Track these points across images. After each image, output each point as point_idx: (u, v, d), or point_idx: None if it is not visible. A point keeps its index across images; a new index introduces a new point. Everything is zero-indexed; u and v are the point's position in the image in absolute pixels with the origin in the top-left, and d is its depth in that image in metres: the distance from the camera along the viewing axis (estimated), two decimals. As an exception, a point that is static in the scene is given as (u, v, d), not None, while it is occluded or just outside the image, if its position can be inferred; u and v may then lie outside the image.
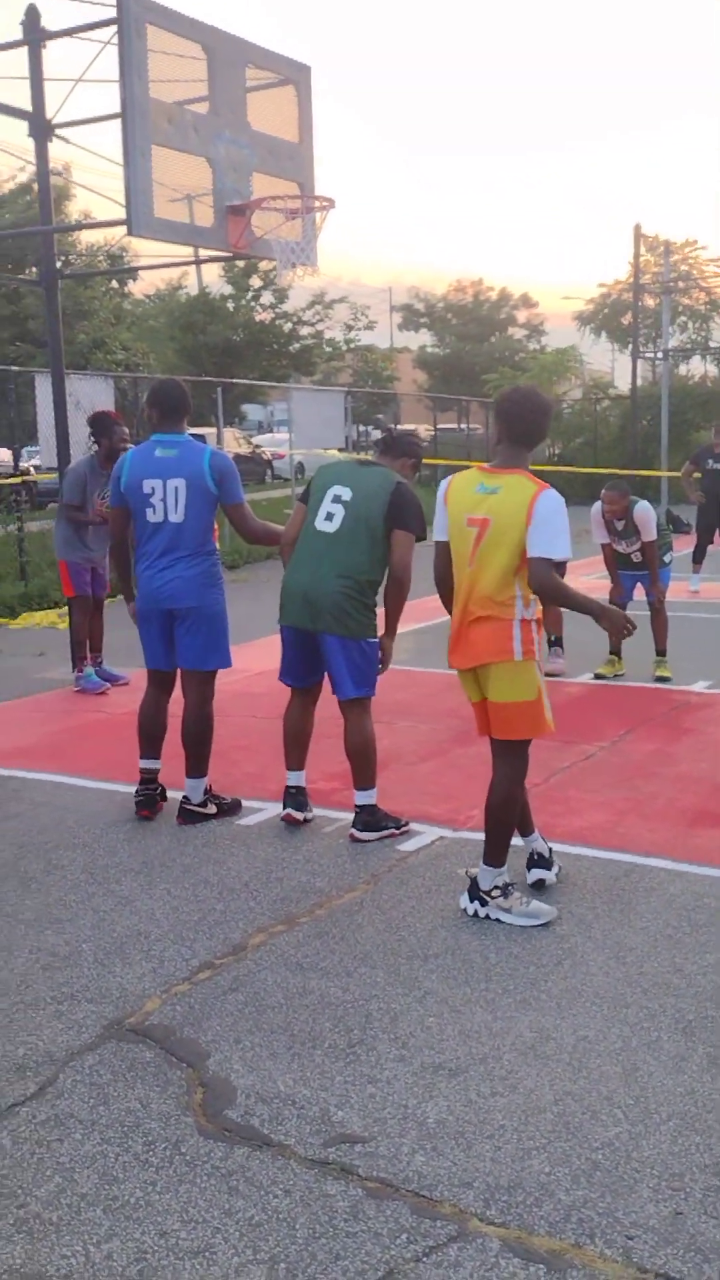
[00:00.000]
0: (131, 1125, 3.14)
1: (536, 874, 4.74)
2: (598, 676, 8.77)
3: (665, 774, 6.34)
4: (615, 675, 8.81)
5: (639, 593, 8.88)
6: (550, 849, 4.86)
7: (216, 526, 5.69)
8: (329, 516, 5.26)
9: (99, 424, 8.47)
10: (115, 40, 8.33)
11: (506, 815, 4.54)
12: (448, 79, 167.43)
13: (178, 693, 5.74)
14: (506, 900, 4.50)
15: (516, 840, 4.91)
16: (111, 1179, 2.91)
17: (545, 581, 4.30)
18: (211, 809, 5.67)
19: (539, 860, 4.78)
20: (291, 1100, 3.25)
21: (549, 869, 4.77)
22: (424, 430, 36.21)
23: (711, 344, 31.95)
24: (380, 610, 5.40)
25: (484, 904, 4.51)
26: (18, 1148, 3.05)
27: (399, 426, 33.51)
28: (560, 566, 4.38)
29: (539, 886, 4.68)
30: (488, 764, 6.44)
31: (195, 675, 5.63)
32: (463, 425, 33.18)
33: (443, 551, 4.60)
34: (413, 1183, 2.88)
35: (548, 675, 8.59)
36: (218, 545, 5.73)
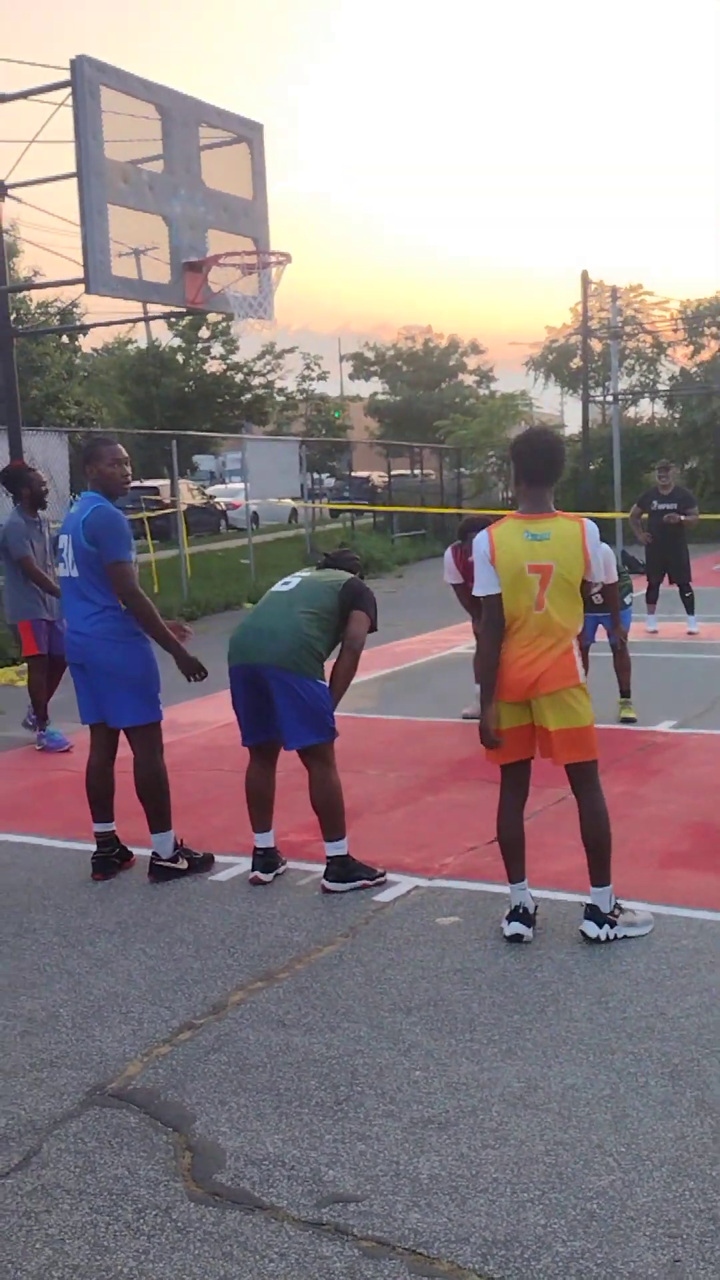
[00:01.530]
0: (120, 1193, 3.09)
1: (515, 928, 4.69)
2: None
3: (635, 816, 6.36)
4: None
5: (600, 634, 8.96)
6: (536, 906, 4.85)
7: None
8: (285, 583, 5.57)
9: (12, 479, 8.55)
10: (70, 102, 8.42)
11: (608, 836, 4.71)
12: (391, 123, 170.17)
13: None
14: (626, 915, 4.73)
15: (502, 888, 4.93)
16: (103, 1249, 2.86)
17: (616, 598, 4.55)
18: (183, 864, 5.63)
19: (522, 914, 4.74)
20: (281, 1161, 3.22)
21: (530, 925, 4.73)
22: (378, 477, 36.49)
23: (659, 386, 32.45)
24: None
25: (613, 925, 4.67)
26: (4, 1220, 2.99)
27: (353, 474, 33.78)
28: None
29: (515, 940, 4.67)
30: (460, 809, 6.45)
31: (131, 731, 5.61)
32: (416, 471, 33.42)
33: (496, 604, 4.63)
34: (409, 1240, 2.86)
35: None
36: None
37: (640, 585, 13.24)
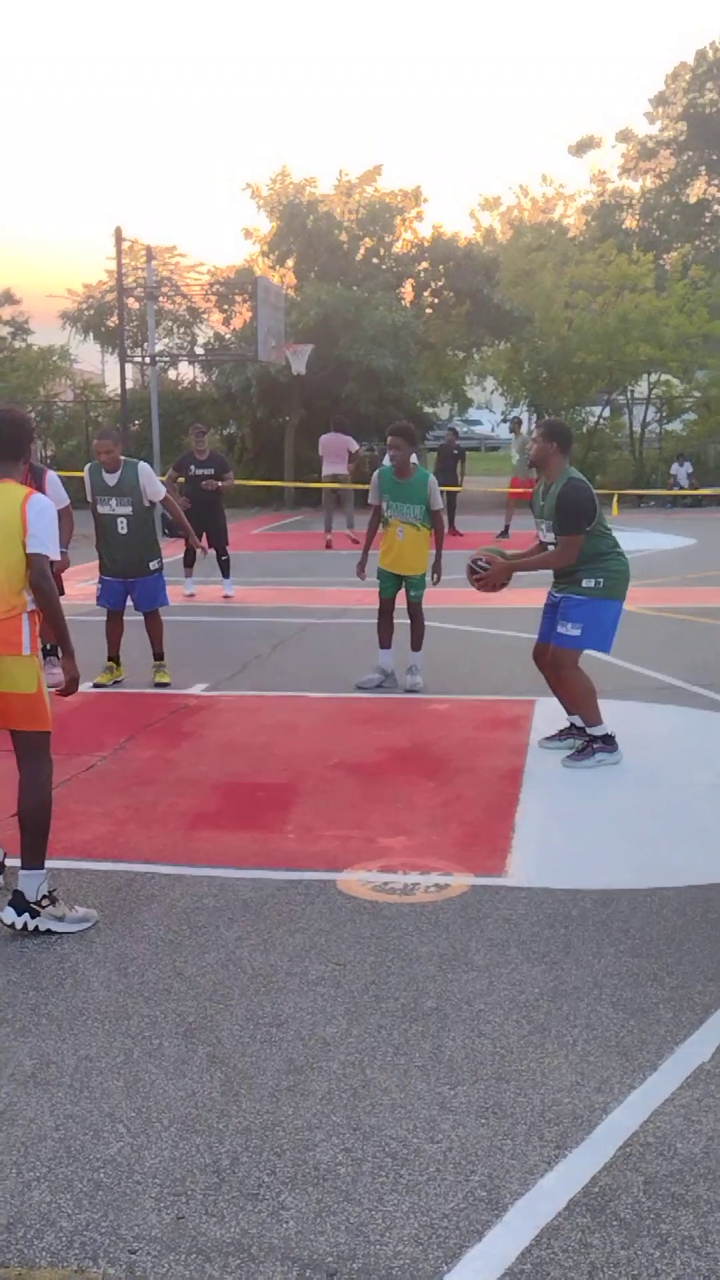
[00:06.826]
0: None
1: (10, 915, 4.46)
2: (96, 685, 8.73)
3: (165, 779, 6.45)
4: (114, 682, 8.83)
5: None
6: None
7: None
8: None
9: None
10: None
11: (46, 814, 4.56)
12: None
13: None
14: (56, 908, 4.49)
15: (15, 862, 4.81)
16: None
17: (46, 577, 4.47)
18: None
19: (18, 899, 4.48)
20: None
21: (22, 913, 4.47)
22: None
23: (196, 349, 32.78)
24: None
25: (34, 915, 4.43)
26: None
27: None
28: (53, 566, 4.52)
29: (23, 930, 4.45)
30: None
31: None
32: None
33: None
34: None
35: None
36: None
37: (176, 549, 13.41)
